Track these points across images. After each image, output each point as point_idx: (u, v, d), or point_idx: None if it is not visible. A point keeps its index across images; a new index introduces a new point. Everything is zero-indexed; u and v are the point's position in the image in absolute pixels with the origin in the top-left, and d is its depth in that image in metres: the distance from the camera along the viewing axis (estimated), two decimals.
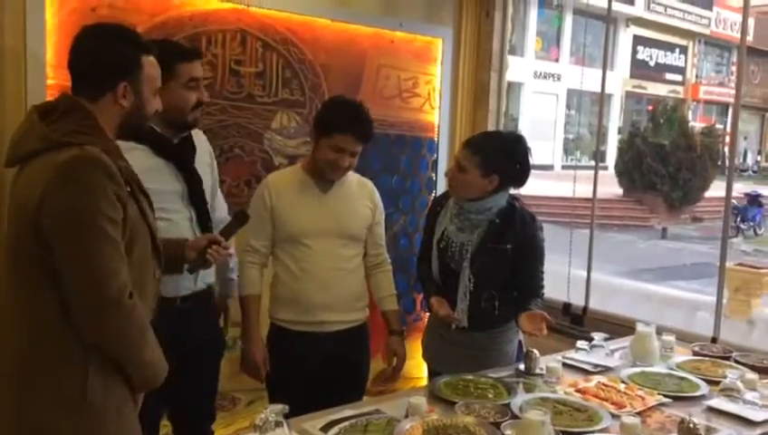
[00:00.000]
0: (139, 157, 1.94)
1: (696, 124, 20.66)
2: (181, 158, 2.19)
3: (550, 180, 12.03)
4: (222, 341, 2.44)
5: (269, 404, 1.73)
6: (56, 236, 1.52)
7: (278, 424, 1.68)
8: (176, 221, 2.13)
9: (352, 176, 2.48)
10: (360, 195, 2.46)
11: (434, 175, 3.63)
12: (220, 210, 2.42)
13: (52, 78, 2.40)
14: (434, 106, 3.60)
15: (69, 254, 1.53)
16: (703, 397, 2.12)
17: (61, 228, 1.52)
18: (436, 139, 3.63)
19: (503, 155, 2.33)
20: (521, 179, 2.40)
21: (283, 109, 3.03)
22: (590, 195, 3.71)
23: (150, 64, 1.69)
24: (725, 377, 2.18)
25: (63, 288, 1.54)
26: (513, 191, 2.44)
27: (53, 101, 1.68)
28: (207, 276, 2.26)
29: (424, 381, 3.29)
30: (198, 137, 2.33)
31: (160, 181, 2.06)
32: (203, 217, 2.25)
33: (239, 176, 2.92)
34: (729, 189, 3.08)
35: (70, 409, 1.57)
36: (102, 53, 1.63)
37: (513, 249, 2.35)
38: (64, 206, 1.52)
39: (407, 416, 1.84)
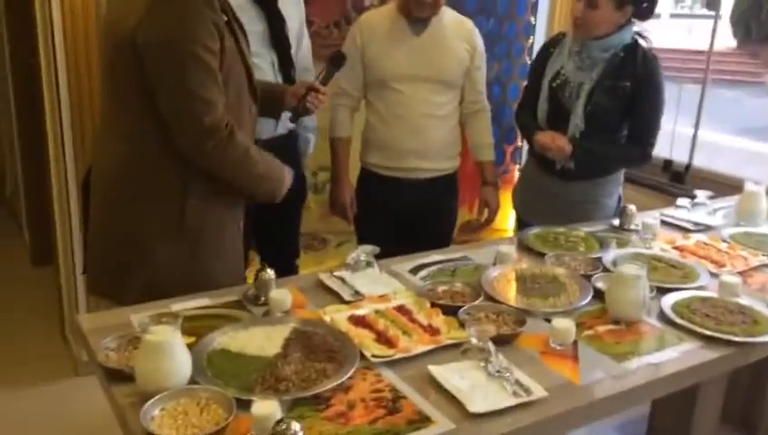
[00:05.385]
0: None
1: None
2: None
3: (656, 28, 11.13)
4: (303, 185, 2.45)
5: (359, 245, 1.76)
6: (153, 62, 1.51)
7: (368, 264, 1.72)
8: (257, 65, 2.04)
9: (450, 15, 2.33)
10: (457, 36, 2.32)
11: (533, 18, 3.39)
12: (303, 59, 2.34)
13: None
14: None
15: (165, 81, 1.52)
16: None
17: (157, 54, 1.50)
18: None
19: None
20: (651, 8, 2.24)
21: None
22: (699, 46, 3.39)
23: None
24: None
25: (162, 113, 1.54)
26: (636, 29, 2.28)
27: None
28: (289, 122, 2.23)
29: (509, 233, 3.28)
30: None
31: (242, 20, 1.99)
32: (285, 61, 2.18)
33: (328, 17, 2.81)
34: None
35: (168, 232, 1.62)
36: None
37: (631, 87, 2.23)
38: (161, 31, 1.48)
39: (495, 264, 1.84)
